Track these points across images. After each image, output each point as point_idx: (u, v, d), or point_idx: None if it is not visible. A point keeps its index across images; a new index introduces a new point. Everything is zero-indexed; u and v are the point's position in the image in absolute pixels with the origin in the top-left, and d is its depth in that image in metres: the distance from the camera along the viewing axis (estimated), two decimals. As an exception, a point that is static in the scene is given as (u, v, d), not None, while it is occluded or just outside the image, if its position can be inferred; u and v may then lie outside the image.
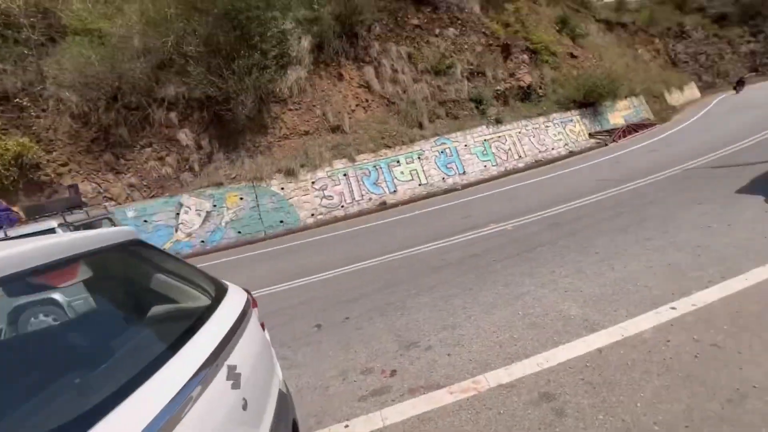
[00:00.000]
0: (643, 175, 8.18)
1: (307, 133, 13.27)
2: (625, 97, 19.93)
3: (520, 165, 14.75)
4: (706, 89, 31.22)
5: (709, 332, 2.57)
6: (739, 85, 27.16)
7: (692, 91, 29.35)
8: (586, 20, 27.43)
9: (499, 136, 15.03)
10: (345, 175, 12.65)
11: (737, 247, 3.75)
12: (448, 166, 13.82)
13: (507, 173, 14.12)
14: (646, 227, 4.94)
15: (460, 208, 9.63)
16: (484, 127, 14.95)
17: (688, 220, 4.85)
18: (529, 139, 15.61)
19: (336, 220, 11.89)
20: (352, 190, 12.56)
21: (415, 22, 16.10)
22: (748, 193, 5.44)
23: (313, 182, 12.29)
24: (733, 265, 3.41)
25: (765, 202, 4.88)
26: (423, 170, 13.45)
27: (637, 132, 17.47)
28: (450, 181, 13.56)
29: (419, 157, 13.56)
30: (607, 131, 17.55)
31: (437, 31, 16.40)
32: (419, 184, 13.21)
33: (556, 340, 2.85)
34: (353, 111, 14.13)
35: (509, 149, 15.01)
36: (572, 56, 21.00)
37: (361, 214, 12.08)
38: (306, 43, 13.69)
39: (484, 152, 14.52)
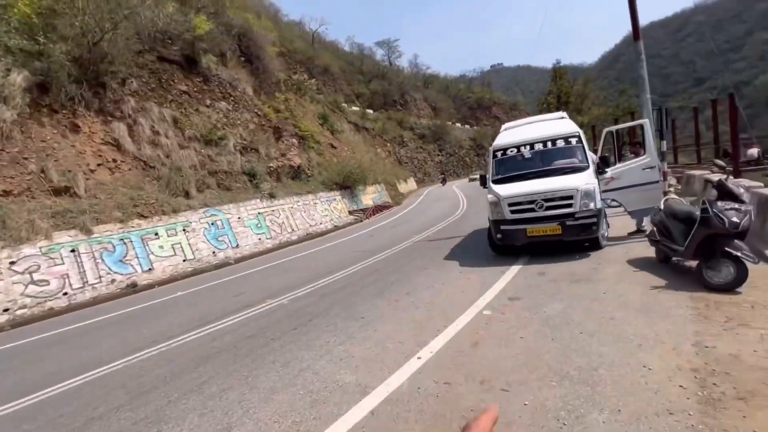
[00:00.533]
0: (388, 247, 10.18)
1: (7, 193, 9.55)
2: (372, 184, 24.98)
3: (294, 238, 15.48)
4: (419, 183, 43.29)
5: (442, 374, 3.30)
6: (443, 181, 41.39)
7: (412, 183, 40.03)
8: (341, 120, 33.67)
9: (273, 210, 15.48)
10: (73, 251, 9.63)
11: (449, 301, 5.14)
12: (220, 239, 12.90)
13: (281, 246, 14.46)
14: (394, 290, 6.06)
15: (233, 284, 8.97)
16: (258, 200, 15.11)
17: (421, 282, 6.31)
18: (301, 214, 16.81)
19: (53, 313, 8.62)
20: (84, 271, 9.61)
21: (183, 87, 15.29)
22: (451, 259, 7.67)
23: (12, 262, 8.66)
24: (450, 315, 4.62)
25: (459, 265, 7.00)
26: (189, 243, 11.96)
27: (382, 211, 21.94)
28: (221, 255, 12.59)
29: (185, 229, 12.06)
30: (361, 210, 21.19)
31: (208, 102, 16.08)
32: (184, 260, 11.58)
33: (336, 412, 2.95)
34: (93, 171, 11.38)
35: (283, 223, 15.59)
36: (332, 146, 24.93)
37: (97, 301, 9.28)
38: (20, 78, 10.45)
39: (259, 225, 14.49)
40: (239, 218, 13.89)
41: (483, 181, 7.70)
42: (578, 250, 6.48)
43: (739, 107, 9.49)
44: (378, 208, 22.18)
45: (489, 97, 78.24)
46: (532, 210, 6.39)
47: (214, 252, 12.45)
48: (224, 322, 5.83)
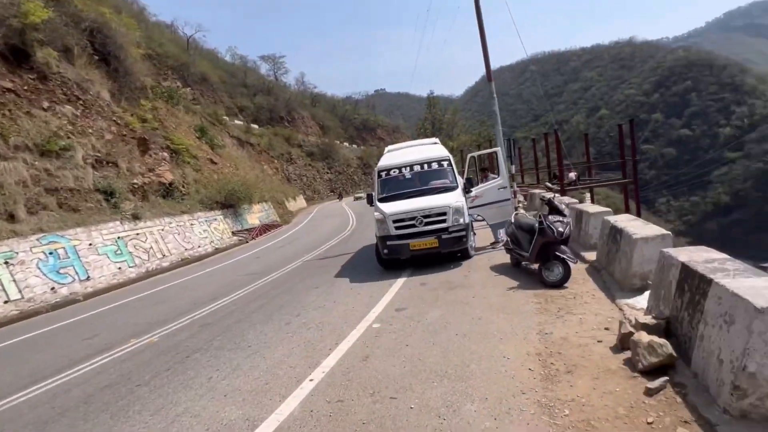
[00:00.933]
0: (277, 268, 9.79)
1: None
2: (258, 202, 23.73)
3: (165, 264, 13.60)
4: (309, 201, 42.87)
5: (335, 392, 3.33)
6: (340, 197, 43.70)
7: (302, 201, 39.38)
8: (223, 134, 31.37)
9: (138, 234, 13.39)
10: None
11: (341, 318, 5.22)
12: (62, 271, 10.52)
13: (150, 274, 12.55)
14: (284, 313, 5.86)
15: (82, 325, 7.42)
16: (118, 222, 12.89)
17: (311, 302, 6.24)
18: (174, 237, 14.92)
19: None
20: None
21: (8, 84, 12.24)
22: (341, 276, 7.78)
23: None
24: (341, 332, 4.69)
25: (350, 282, 7.17)
26: (14, 280, 9.44)
27: (269, 231, 20.97)
28: (64, 291, 10.27)
29: (7, 262, 9.50)
30: (246, 230, 19.88)
31: (46, 104, 13.19)
32: (6, 301, 9.07)
33: (220, 454, 2.70)
34: None
35: (151, 248, 13.59)
36: (212, 162, 22.96)
37: None
38: None
39: (118, 252, 12.33)
40: (91, 244, 11.59)
41: (370, 200, 8.11)
42: (452, 260, 7.30)
43: (557, 140, 12.14)
44: (265, 228, 21.12)
45: (374, 120, 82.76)
46: (413, 226, 6.99)
47: (53, 288, 10.08)
48: (70, 374, 4.78)
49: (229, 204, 19.66)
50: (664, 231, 4.29)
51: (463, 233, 6.99)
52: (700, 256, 3.01)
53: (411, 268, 7.33)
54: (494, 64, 12.43)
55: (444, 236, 6.88)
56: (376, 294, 6.04)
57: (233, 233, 18.89)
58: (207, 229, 17.09)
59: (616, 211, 6.80)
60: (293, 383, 3.58)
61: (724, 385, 2.23)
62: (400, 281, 6.59)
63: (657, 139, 79.60)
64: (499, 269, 6.41)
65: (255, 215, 22.45)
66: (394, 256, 7.20)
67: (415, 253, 7.00)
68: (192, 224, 16.31)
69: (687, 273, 2.89)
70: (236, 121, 40.88)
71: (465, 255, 7.38)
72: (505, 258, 6.76)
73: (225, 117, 36.78)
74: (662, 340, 2.81)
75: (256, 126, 45.00)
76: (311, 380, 3.58)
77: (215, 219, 18.19)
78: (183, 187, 17.73)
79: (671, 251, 3.32)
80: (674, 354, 2.75)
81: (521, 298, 4.88)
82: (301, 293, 6.95)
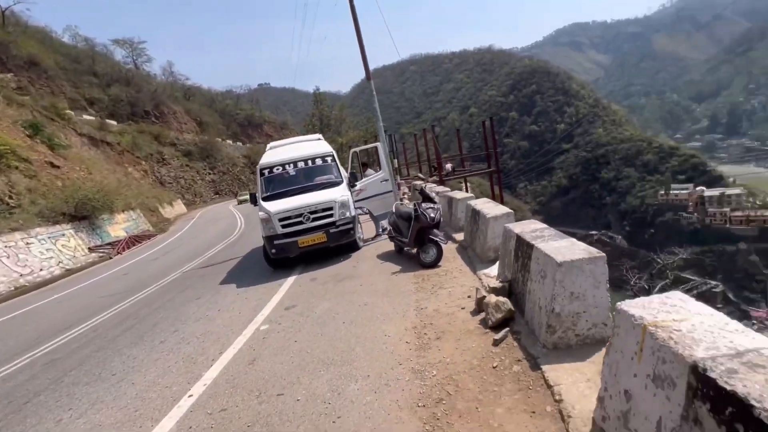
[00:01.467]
0: (150, 283, 8.66)
1: None
2: (123, 211, 20.44)
3: (-10, 297, 10.76)
4: (190, 205, 38.56)
5: (218, 402, 3.16)
6: (237, 195, 39.35)
7: (180, 206, 35.16)
8: (67, 131, 26.00)
9: (-59, 262, 10.28)
10: None
11: (226, 326, 4.92)
12: None
13: (-36, 312, 9.77)
14: (158, 331, 5.26)
15: None
16: None
17: (192, 314, 5.73)
18: (2, 261, 11.89)
19: None
20: None
21: None
22: (227, 282, 7.29)
23: None
24: (225, 341, 4.43)
25: (237, 287, 6.77)
26: None
27: (141, 243, 18.26)
28: None
29: None
30: (109, 244, 16.98)
31: None
32: None
33: (73, 500, 2.35)
34: None
35: (-36, 278, 10.58)
36: (53, 165, 18.89)
37: None
38: None
39: None
40: None
41: (254, 199, 7.74)
42: (342, 253, 7.49)
43: (434, 136, 13.36)
44: (134, 240, 18.30)
45: (260, 115, 78.03)
46: (300, 222, 6.93)
47: None
48: None
49: (82, 215, 16.48)
50: (508, 210, 5.14)
51: (350, 226, 7.21)
52: (529, 227, 3.72)
53: (302, 265, 7.27)
54: (377, 63, 12.98)
55: (332, 230, 7.00)
56: (266, 296, 5.84)
57: (90, 249, 15.92)
58: (52, 248, 14.05)
59: (487, 197, 7.81)
60: (169, 403, 3.28)
61: (542, 326, 2.84)
62: (290, 279, 6.49)
63: (514, 133, 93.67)
64: (384, 257, 6.81)
65: (119, 226, 19.28)
66: (283, 255, 7.05)
67: (304, 249, 6.96)
68: (28, 243, 13.21)
69: (520, 242, 3.55)
70: (86, 116, 34.19)
71: (354, 247, 7.63)
72: (390, 246, 7.21)
73: (69, 111, 30.37)
74: (504, 299, 3.41)
75: (113, 122, 38.30)
76: (190, 396, 3.33)
77: (63, 234, 15.05)
78: (10, 198, 14.20)
79: (511, 226, 4.02)
80: (513, 308, 3.36)
81: (403, 281, 5.30)
82: (179, 307, 6.30)
